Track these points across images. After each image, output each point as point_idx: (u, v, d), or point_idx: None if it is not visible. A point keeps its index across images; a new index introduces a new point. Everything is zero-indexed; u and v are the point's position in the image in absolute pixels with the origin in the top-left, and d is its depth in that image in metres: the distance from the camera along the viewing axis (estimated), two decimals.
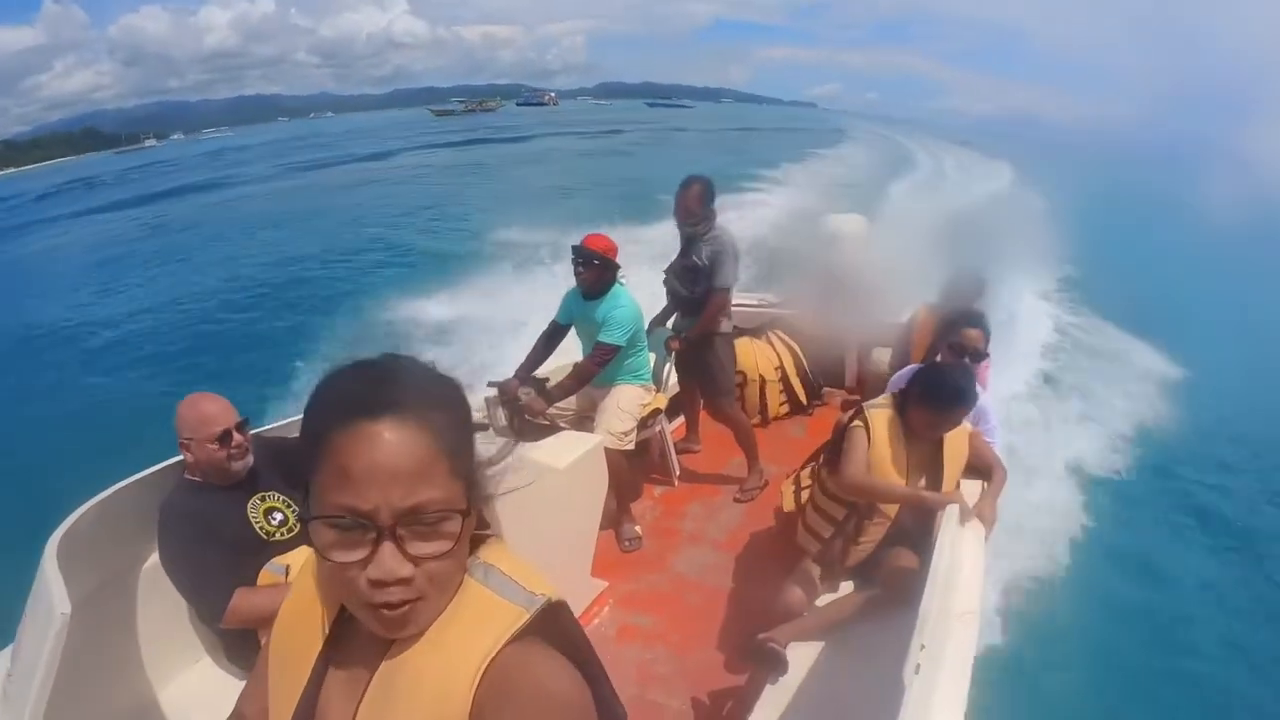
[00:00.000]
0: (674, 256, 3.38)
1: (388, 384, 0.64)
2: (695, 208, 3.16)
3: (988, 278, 3.40)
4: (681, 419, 3.93)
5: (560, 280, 4.01)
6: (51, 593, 1.45)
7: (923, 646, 1.44)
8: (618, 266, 2.97)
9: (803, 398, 4.26)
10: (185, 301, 11.80)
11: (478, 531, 0.74)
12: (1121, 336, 7.58)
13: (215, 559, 1.77)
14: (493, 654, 0.63)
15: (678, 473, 3.56)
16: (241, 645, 1.90)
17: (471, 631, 0.65)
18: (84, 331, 10.74)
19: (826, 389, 4.46)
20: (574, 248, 2.96)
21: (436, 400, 0.65)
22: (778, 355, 4.27)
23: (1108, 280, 9.16)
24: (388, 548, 0.60)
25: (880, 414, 2.20)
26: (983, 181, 19.67)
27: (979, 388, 2.56)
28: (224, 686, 1.93)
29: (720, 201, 3.29)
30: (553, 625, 0.69)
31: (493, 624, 0.65)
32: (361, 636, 0.69)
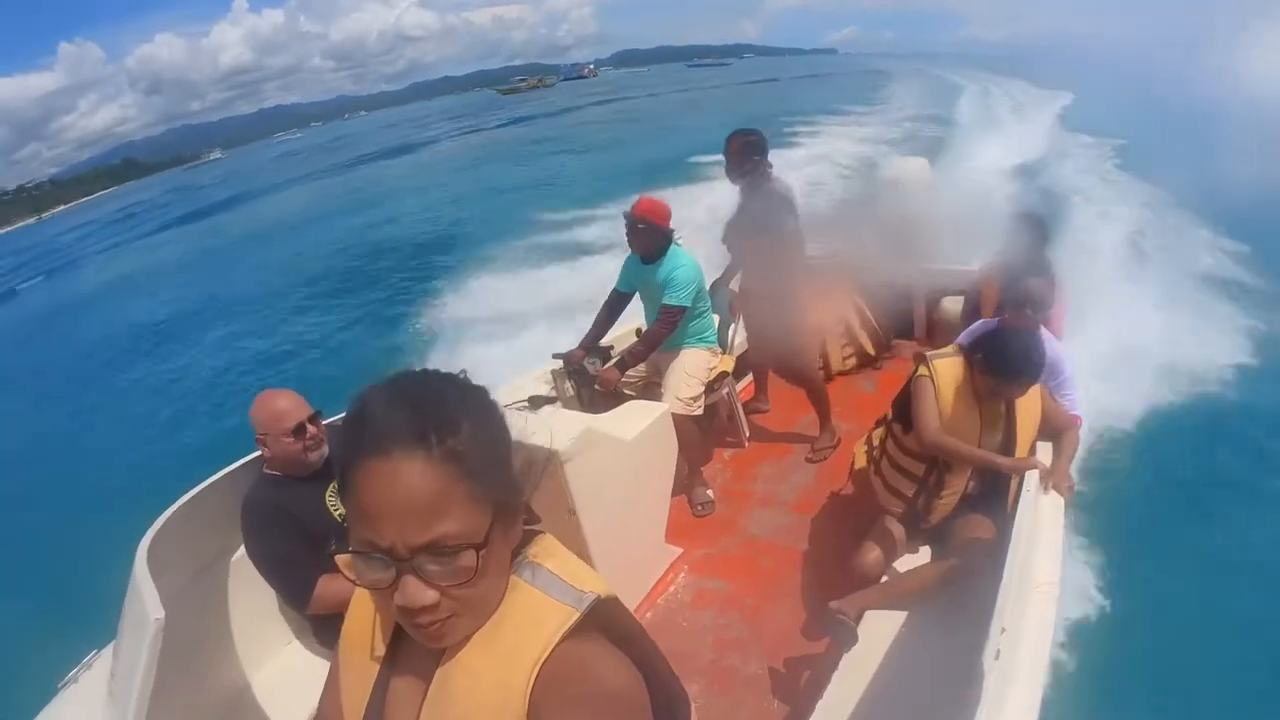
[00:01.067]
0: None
1: (401, 414, 0.62)
2: (740, 161, 3.09)
3: (1049, 222, 3.18)
4: (749, 378, 3.84)
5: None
6: (144, 598, 1.50)
7: (1003, 630, 1.37)
8: (666, 231, 2.88)
9: (870, 350, 4.10)
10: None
11: (527, 528, 0.75)
12: None
13: (298, 548, 1.83)
14: (545, 653, 0.65)
15: (748, 434, 3.49)
16: (329, 628, 1.93)
17: (523, 632, 0.67)
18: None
19: (896, 340, 4.29)
20: (624, 213, 2.90)
21: (455, 423, 0.63)
22: (841, 307, 4.11)
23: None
24: (409, 579, 0.61)
25: (946, 365, 2.09)
26: (1038, 108, 18.69)
27: (1052, 337, 2.39)
28: (313, 667, 2.01)
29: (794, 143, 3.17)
30: (605, 620, 0.70)
31: (544, 624, 0.67)
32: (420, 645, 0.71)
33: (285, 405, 1.88)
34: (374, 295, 10.86)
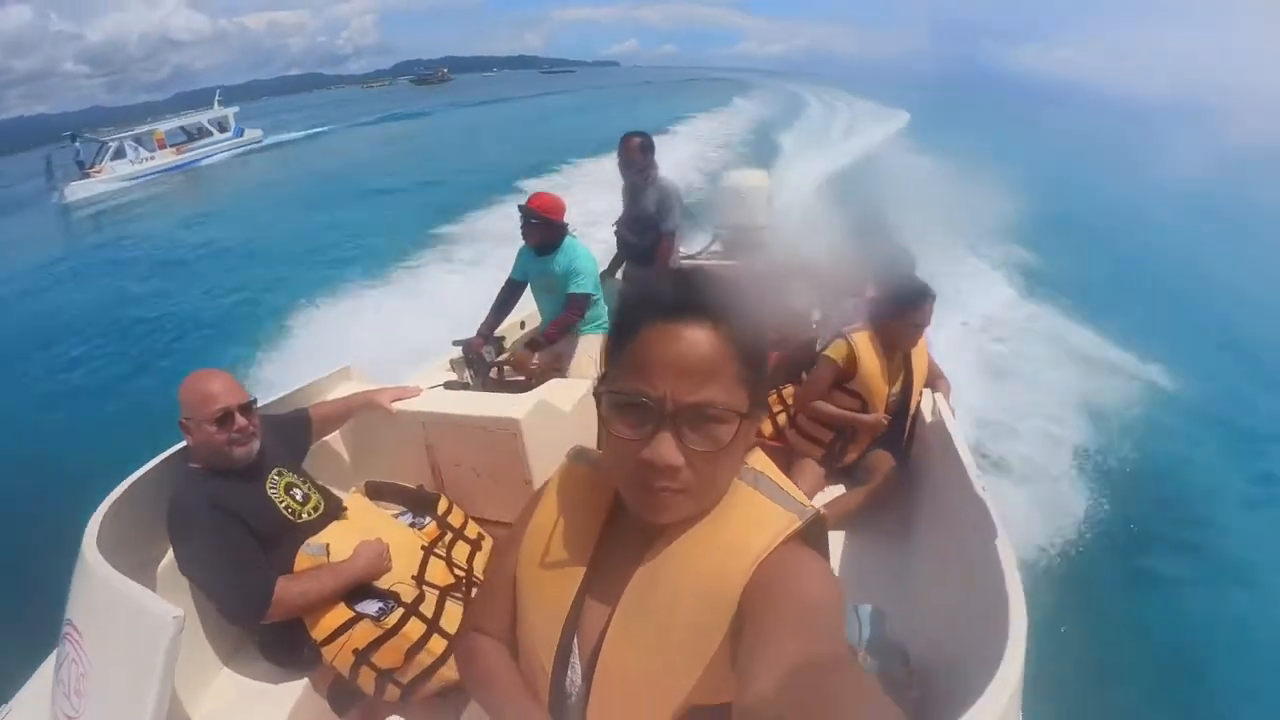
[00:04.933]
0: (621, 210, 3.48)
1: (698, 289, 0.69)
2: (637, 158, 3.32)
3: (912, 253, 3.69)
4: None
5: None
6: (138, 599, 1.24)
7: (981, 484, 1.66)
8: (560, 225, 3.00)
9: None
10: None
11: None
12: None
13: (247, 549, 1.62)
14: (768, 550, 0.68)
15: None
16: (276, 642, 1.73)
17: (748, 529, 0.71)
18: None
19: None
20: (519, 207, 2.98)
21: (729, 313, 0.69)
22: None
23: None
24: (666, 435, 0.65)
25: (861, 336, 2.45)
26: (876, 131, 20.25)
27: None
28: (256, 689, 1.75)
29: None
30: (815, 537, 0.74)
31: (768, 525, 0.71)
32: (621, 544, 0.76)
33: (214, 388, 1.66)
34: None
